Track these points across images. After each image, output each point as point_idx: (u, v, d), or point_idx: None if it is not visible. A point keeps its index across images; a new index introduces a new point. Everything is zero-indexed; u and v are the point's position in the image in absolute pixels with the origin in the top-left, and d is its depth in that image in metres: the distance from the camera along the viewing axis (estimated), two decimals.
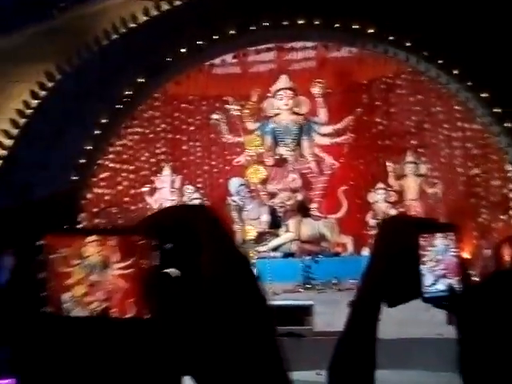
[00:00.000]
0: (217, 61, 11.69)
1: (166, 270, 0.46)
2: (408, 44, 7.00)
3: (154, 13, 7.29)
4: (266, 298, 0.49)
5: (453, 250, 1.11)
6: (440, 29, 6.93)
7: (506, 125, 6.47)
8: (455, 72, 6.77)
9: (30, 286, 0.48)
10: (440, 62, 6.94)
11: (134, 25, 7.17)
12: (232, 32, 7.01)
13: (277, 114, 12.65)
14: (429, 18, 6.90)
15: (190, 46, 7.04)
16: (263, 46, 11.83)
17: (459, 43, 6.84)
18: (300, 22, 7.14)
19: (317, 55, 13.06)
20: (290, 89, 12.53)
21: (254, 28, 7.06)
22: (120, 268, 0.47)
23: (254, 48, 10.63)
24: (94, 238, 0.47)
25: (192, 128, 14.02)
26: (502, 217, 10.79)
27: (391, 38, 7.03)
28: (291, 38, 8.44)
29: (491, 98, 6.62)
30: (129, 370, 0.49)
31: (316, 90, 12.36)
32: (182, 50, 7.09)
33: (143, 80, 6.95)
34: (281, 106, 12.59)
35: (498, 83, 6.70)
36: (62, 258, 0.47)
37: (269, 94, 12.69)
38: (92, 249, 0.47)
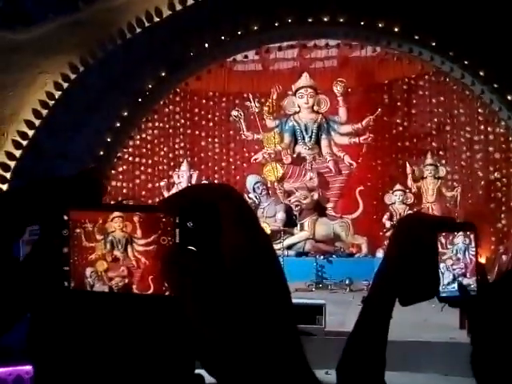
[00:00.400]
0: (238, 57, 11.71)
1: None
2: (433, 43, 6.90)
3: (179, 7, 7.30)
4: (287, 284, 0.48)
5: (472, 249, 1.11)
6: (466, 29, 6.83)
7: None
8: (481, 73, 6.66)
9: (52, 260, 0.48)
10: (465, 62, 6.83)
11: (158, 19, 7.19)
12: (256, 28, 6.99)
13: (296, 112, 12.61)
14: (455, 17, 6.80)
15: (213, 41, 7.04)
16: (285, 44, 11.83)
17: (485, 44, 6.73)
18: (325, 19, 7.09)
19: (338, 54, 13.00)
20: (310, 87, 12.49)
21: (278, 24, 7.02)
22: (142, 245, 0.47)
23: (275, 45, 10.61)
24: (118, 213, 0.47)
25: (211, 124, 14.08)
26: None
27: (416, 37, 6.94)
28: (316, 36, 8.40)
29: None
30: (147, 347, 0.49)
31: (337, 88, 12.29)
32: (205, 45, 7.09)
33: (165, 74, 6.97)
34: (301, 104, 12.55)
35: None
36: (86, 233, 0.48)
37: (289, 92, 12.66)
38: (116, 224, 0.47)
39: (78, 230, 0.47)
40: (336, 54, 13.06)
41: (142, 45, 6.91)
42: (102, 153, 6.73)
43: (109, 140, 6.76)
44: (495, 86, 6.59)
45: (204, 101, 14.01)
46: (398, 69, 12.35)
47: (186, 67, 7.19)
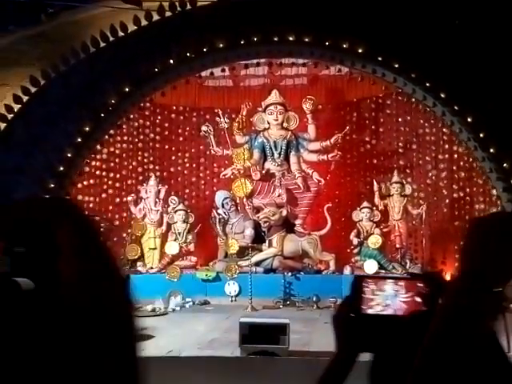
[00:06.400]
0: (209, 72, 11.71)
1: (16, 279, 0.38)
2: (396, 65, 7.02)
3: (145, 23, 7.26)
4: (134, 318, 0.40)
5: (403, 295, 1.12)
6: (428, 52, 6.97)
7: (490, 150, 6.48)
8: (442, 95, 6.80)
9: None
10: (427, 84, 6.96)
11: (122, 34, 7.13)
12: (221, 45, 7.00)
13: (266, 129, 12.64)
14: (418, 40, 6.95)
15: (178, 57, 7.01)
16: (255, 61, 11.90)
17: (447, 67, 6.88)
18: (290, 38, 7.15)
19: (308, 72, 13.13)
20: (280, 104, 12.55)
21: (244, 42, 7.04)
22: None
23: (246, 62, 10.65)
24: None
25: (181, 139, 13.99)
26: None
27: (380, 58, 7.06)
28: (281, 54, 8.46)
29: (476, 122, 6.65)
30: None
31: (306, 106, 12.38)
32: (170, 61, 7.05)
33: (129, 89, 6.89)
34: (271, 120, 12.59)
35: (483, 108, 6.73)
36: None
37: (259, 109, 12.69)
38: None
39: None
40: (306, 72, 13.19)
41: (106, 59, 6.82)
42: (62, 168, 6.58)
43: (69, 155, 6.62)
44: (456, 108, 6.72)
45: (174, 115, 13.93)
46: (367, 87, 12.53)
47: (151, 83, 7.14)
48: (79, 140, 6.69)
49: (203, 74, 11.58)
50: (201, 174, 14.05)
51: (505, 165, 6.37)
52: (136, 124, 13.41)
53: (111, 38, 7.04)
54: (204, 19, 7.15)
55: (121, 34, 7.07)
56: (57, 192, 6.61)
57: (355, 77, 12.14)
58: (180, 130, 13.98)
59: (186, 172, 13.95)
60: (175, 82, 7.66)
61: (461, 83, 6.78)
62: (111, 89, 6.90)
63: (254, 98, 12.89)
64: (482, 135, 6.42)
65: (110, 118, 7.08)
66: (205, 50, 6.97)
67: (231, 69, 11.24)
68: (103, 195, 12.63)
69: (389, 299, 1.14)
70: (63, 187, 6.69)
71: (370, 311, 1.13)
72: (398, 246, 11.61)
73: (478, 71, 6.76)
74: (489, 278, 0.91)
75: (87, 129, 6.71)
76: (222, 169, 13.02)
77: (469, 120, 6.57)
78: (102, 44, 7.02)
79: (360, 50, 6.85)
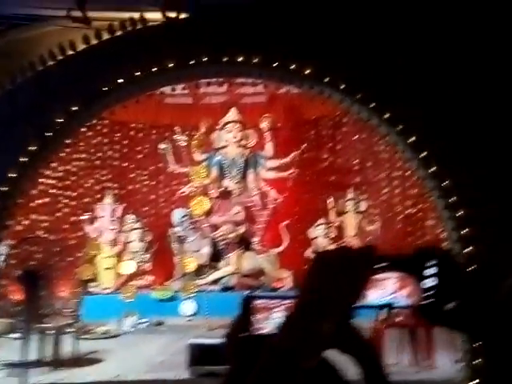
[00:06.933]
0: (168, 90, 11.71)
1: None
2: (342, 86, 7.18)
3: (94, 41, 7.22)
4: None
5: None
6: (373, 73, 7.17)
7: (431, 169, 6.68)
8: (385, 116, 6.98)
9: None
10: (372, 105, 7.13)
11: (71, 52, 7.08)
12: (170, 65, 7.02)
13: (224, 147, 12.72)
14: (364, 62, 7.14)
15: (127, 76, 7.00)
16: (215, 79, 11.97)
17: (391, 88, 7.08)
18: (239, 59, 7.22)
19: (267, 90, 13.31)
20: (238, 122, 12.67)
21: (194, 62, 7.09)
22: None
23: (199, 81, 10.71)
24: None
25: (140, 156, 13.92)
26: None
27: (326, 79, 7.20)
28: (231, 74, 8.54)
29: (418, 142, 6.84)
30: None
31: (264, 124, 12.54)
32: (120, 80, 7.03)
33: (78, 108, 6.83)
34: (229, 138, 12.69)
35: (425, 128, 6.96)
36: None
37: (217, 127, 12.77)
38: None
39: None
40: (265, 90, 13.36)
41: (54, 78, 6.76)
42: (5, 188, 6.44)
43: (14, 175, 6.49)
44: (399, 128, 6.91)
45: (133, 132, 13.88)
46: (325, 105, 12.76)
47: (100, 102, 7.09)
48: (25, 159, 6.56)
49: (161, 91, 11.59)
50: (160, 192, 13.98)
51: (445, 183, 6.58)
52: (94, 141, 13.30)
53: (59, 57, 6.97)
54: (154, 39, 7.17)
55: (70, 52, 7.02)
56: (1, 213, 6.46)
57: (314, 95, 12.35)
58: (139, 148, 13.92)
59: (144, 190, 13.86)
60: (124, 102, 7.64)
61: (404, 104, 6.99)
62: (59, 108, 6.81)
63: (215, 115, 12.98)
64: (422, 155, 6.61)
65: (58, 138, 6.98)
66: (154, 69, 6.98)
67: (195, 86, 11.27)
68: (58, 214, 12.40)
69: (277, 318, 1.15)
70: (6, 208, 6.54)
71: (257, 331, 1.11)
72: None
73: (421, 92, 7.00)
74: (308, 316, 0.88)
75: (33, 148, 6.60)
76: (182, 186, 13.00)
77: (411, 140, 6.76)
78: (50, 62, 6.94)
79: (307, 71, 6.98)
